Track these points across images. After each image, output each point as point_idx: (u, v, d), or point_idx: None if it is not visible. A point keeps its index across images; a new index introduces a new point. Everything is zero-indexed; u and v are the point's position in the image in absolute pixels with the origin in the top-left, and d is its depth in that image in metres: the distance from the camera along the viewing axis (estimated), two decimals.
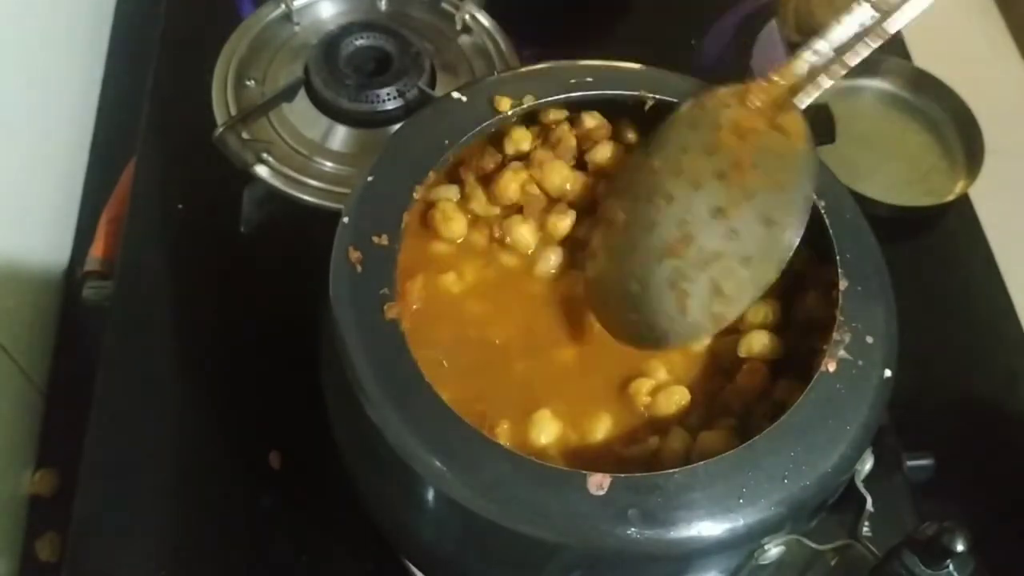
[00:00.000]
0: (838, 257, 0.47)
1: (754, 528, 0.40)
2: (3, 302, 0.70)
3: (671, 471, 0.40)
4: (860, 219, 0.50)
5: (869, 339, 0.45)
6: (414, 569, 0.57)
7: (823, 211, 0.48)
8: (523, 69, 0.56)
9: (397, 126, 0.56)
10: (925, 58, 0.83)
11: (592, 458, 0.46)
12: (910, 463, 0.62)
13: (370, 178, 0.49)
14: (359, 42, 0.74)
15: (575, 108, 0.54)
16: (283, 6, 0.77)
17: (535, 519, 0.40)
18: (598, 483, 0.40)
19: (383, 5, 0.80)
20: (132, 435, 0.64)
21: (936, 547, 0.37)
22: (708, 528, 0.40)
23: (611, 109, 0.54)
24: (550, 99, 0.52)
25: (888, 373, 0.45)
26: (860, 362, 0.44)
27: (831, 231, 0.48)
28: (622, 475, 0.40)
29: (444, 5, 0.80)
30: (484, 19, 0.79)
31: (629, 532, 0.39)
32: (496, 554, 0.45)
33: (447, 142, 0.50)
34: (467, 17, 0.79)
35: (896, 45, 0.85)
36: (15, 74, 0.74)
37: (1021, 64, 1.00)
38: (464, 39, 0.79)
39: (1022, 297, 0.74)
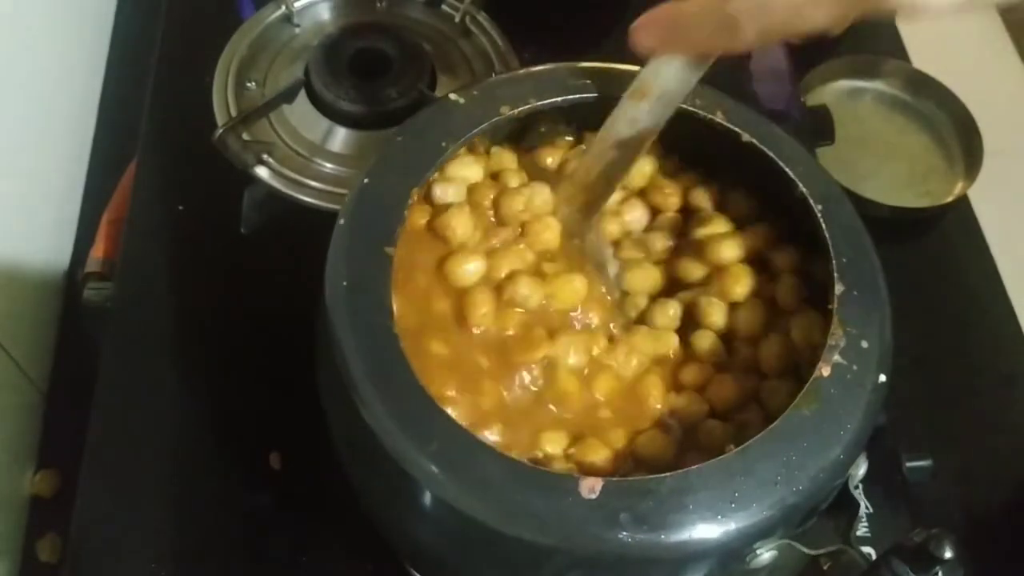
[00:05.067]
0: (834, 261, 0.47)
1: (746, 532, 0.40)
2: (4, 303, 0.71)
3: (663, 475, 0.40)
4: (858, 223, 0.50)
5: (864, 344, 0.45)
6: (413, 570, 0.57)
7: (820, 215, 0.48)
8: (522, 71, 0.55)
9: (397, 128, 0.57)
10: (924, 60, 0.84)
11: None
12: (908, 464, 0.62)
13: (366, 180, 0.49)
14: (359, 44, 0.74)
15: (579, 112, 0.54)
16: (284, 8, 0.78)
17: (527, 522, 0.40)
18: (590, 487, 0.40)
19: (383, 6, 0.80)
20: (132, 435, 0.64)
21: (924, 554, 0.37)
22: (700, 532, 0.40)
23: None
24: (552, 101, 0.52)
25: (883, 378, 0.45)
26: (855, 367, 0.44)
27: (828, 235, 0.47)
28: (614, 479, 0.40)
29: (444, 6, 0.80)
30: (484, 20, 0.79)
31: (621, 536, 0.39)
32: (490, 557, 0.45)
33: (444, 144, 0.50)
34: (467, 18, 0.79)
35: (895, 47, 0.85)
36: (15, 75, 0.75)
37: (1020, 66, 1.00)
38: (464, 40, 0.79)
39: (1021, 298, 0.74)
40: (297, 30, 0.78)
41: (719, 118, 0.51)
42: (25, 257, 0.74)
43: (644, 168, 0.55)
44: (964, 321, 0.74)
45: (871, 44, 0.84)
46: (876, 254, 0.49)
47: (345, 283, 0.45)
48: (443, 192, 0.52)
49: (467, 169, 0.53)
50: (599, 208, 0.52)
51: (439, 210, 0.51)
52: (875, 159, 0.78)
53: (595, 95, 0.52)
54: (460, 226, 0.50)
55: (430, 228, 0.51)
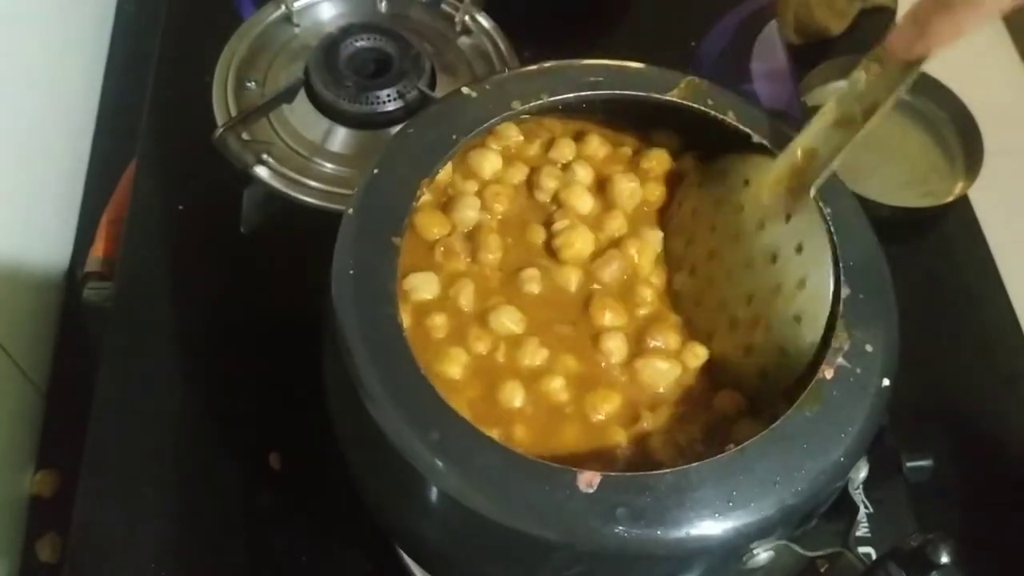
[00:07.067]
0: (841, 264, 0.47)
1: (744, 532, 0.40)
2: (4, 303, 0.71)
3: (662, 471, 0.40)
4: (866, 226, 0.50)
5: (869, 347, 0.45)
6: (413, 568, 0.57)
7: (828, 218, 0.48)
8: (534, 67, 0.55)
9: (397, 128, 0.57)
10: None
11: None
12: (909, 464, 0.62)
13: (376, 171, 0.49)
14: (359, 44, 0.74)
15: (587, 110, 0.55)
16: (283, 8, 0.78)
17: (524, 514, 0.40)
18: (588, 481, 0.40)
19: (383, 7, 0.80)
20: (132, 435, 0.64)
21: (921, 559, 0.37)
22: (698, 529, 0.40)
23: (622, 109, 0.55)
24: (564, 97, 0.52)
25: (886, 382, 0.45)
26: (858, 370, 0.44)
27: (835, 238, 0.47)
28: (612, 473, 0.40)
29: (444, 6, 0.80)
30: (484, 20, 0.79)
31: (617, 531, 0.39)
32: (489, 549, 0.45)
33: (455, 137, 0.50)
34: (467, 18, 0.79)
35: None
36: (16, 75, 0.75)
37: (1020, 65, 1.00)
38: (464, 40, 0.79)
39: (1021, 298, 0.74)
40: (297, 30, 0.78)
41: (730, 118, 0.52)
42: (25, 257, 0.74)
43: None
44: (964, 321, 0.74)
45: (871, 44, 0.84)
46: (884, 259, 0.49)
47: (352, 272, 0.45)
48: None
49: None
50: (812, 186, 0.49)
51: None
52: (875, 159, 0.78)
53: (606, 91, 0.52)
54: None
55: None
